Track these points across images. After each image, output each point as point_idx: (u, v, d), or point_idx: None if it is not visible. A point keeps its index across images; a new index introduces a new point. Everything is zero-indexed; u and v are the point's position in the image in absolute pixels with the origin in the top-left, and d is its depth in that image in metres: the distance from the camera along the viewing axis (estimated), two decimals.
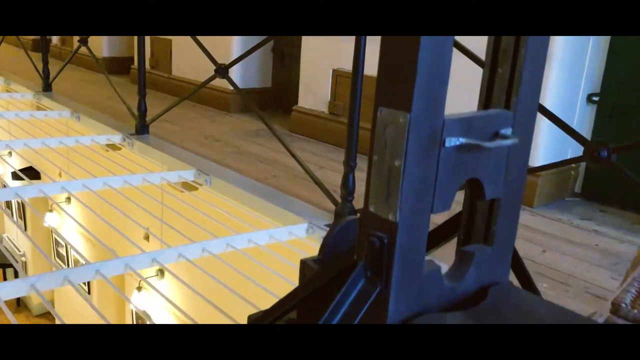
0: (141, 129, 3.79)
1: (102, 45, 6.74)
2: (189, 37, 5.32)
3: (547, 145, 3.08)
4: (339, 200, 2.53)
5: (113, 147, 3.75)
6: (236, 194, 2.91)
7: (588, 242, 2.63)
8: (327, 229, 2.48)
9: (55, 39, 7.76)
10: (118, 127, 3.99)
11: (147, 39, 5.68)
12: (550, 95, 3.02)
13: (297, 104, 4.39)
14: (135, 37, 3.64)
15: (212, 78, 3.14)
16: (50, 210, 6.31)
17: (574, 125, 3.20)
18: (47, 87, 5.11)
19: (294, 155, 2.72)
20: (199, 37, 3.37)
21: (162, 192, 3.00)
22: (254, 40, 4.96)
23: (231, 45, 4.95)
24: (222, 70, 3.01)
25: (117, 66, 6.82)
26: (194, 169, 3.17)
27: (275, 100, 5.19)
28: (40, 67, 5.07)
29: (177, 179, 3.11)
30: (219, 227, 2.42)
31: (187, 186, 3.20)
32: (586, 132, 3.21)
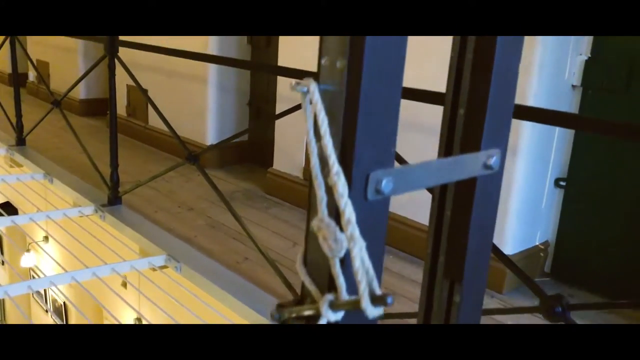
0: (113, 200, 3.77)
1: (79, 87, 6.68)
2: (165, 89, 5.31)
3: (515, 230, 3.11)
4: None
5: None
6: (205, 285, 2.90)
7: None
8: None
9: (31, 76, 7.69)
10: (91, 193, 3.96)
11: (124, 87, 5.65)
12: (519, 179, 3.05)
13: (274, 159, 4.38)
14: None
15: (180, 164, 3.14)
16: (28, 250, 6.22)
17: (542, 207, 3.23)
18: (20, 142, 5.06)
19: (262, 252, 2.72)
20: (173, 122, 3.36)
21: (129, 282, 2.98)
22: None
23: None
24: (192, 159, 3.00)
25: (94, 108, 6.79)
26: (165, 253, 3.15)
27: (252, 154, 5.18)
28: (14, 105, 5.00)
29: (147, 266, 3.09)
30: None
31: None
32: (554, 214, 3.25)
